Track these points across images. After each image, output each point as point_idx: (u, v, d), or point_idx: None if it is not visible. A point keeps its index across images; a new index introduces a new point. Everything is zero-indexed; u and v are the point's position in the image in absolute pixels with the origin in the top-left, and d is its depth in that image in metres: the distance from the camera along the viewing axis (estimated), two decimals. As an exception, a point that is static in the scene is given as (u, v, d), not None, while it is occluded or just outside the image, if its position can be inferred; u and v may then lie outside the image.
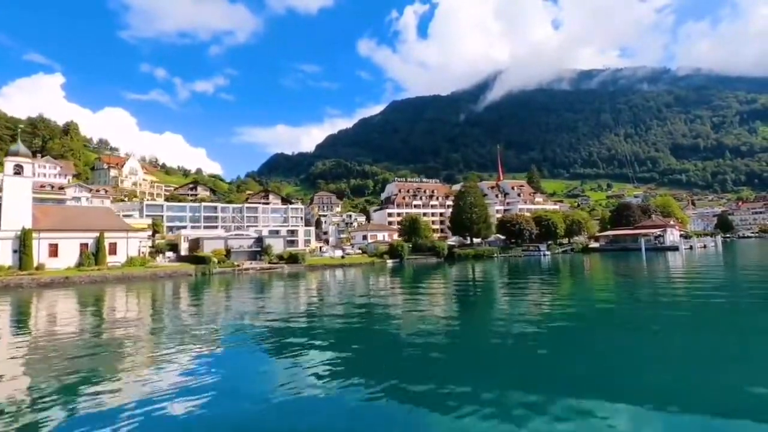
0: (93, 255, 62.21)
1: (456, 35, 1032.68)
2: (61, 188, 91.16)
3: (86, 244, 62.72)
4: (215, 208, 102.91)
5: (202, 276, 66.02)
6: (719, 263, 65.67)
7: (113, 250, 64.99)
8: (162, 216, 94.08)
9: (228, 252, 75.82)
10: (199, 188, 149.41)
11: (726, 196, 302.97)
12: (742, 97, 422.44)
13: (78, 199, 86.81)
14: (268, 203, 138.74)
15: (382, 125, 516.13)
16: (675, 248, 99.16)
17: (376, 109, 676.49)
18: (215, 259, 71.09)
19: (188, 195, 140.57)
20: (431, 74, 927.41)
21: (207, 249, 74.51)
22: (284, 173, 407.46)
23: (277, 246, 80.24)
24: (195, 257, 71.49)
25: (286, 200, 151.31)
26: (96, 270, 58.59)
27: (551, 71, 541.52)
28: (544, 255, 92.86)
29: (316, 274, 67.46)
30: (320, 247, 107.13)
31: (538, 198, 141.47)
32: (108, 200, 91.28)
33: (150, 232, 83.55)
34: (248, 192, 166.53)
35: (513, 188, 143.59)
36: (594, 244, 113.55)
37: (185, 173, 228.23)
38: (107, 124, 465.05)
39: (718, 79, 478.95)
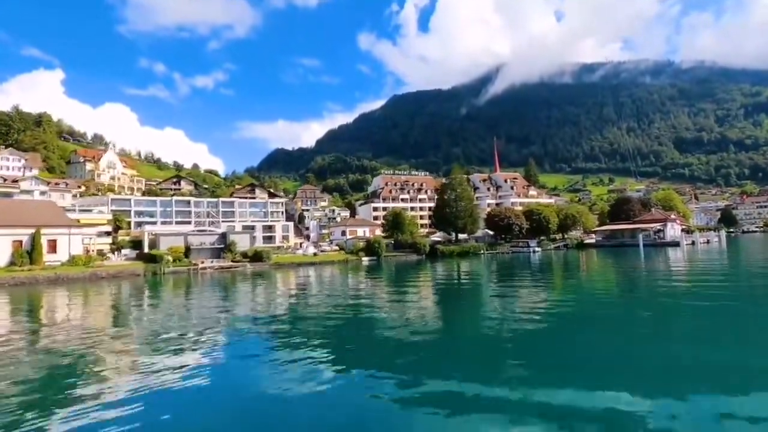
0: (28, 253, 55.53)
1: (457, 29, 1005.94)
2: (15, 181, 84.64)
3: (20, 242, 56.06)
4: (188, 202, 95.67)
5: (153, 276, 59.39)
6: (725, 262, 58.00)
7: (53, 247, 58.34)
8: (130, 211, 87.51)
9: (187, 249, 69.04)
10: (182, 182, 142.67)
11: (730, 190, 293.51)
12: (746, 89, 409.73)
13: (30, 192, 79.96)
14: (254, 197, 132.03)
15: (383, 120, 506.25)
16: (676, 244, 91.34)
17: (376, 104, 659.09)
18: (170, 258, 64.39)
19: (171, 189, 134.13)
20: (432, 68, 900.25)
21: (163, 246, 67.79)
22: (284, 168, 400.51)
23: (243, 242, 73.32)
24: (148, 255, 64.82)
25: (273, 194, 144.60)
26: (26, 271, 51.89)
27: (553, 64, 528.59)
28: (534, 251, 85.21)
29: (281, 274, 60.79)
30: (300, 243, 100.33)
31: (532, 191, 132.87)
32: (69, 194, 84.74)
33: (110, 228, 76.85)
34: (236, 186, 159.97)
35: (506, 181, 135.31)
36: (590, 240, 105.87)
37: (178, 168, 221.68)
38: (108, 120, 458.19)
39: (721, 71, 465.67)
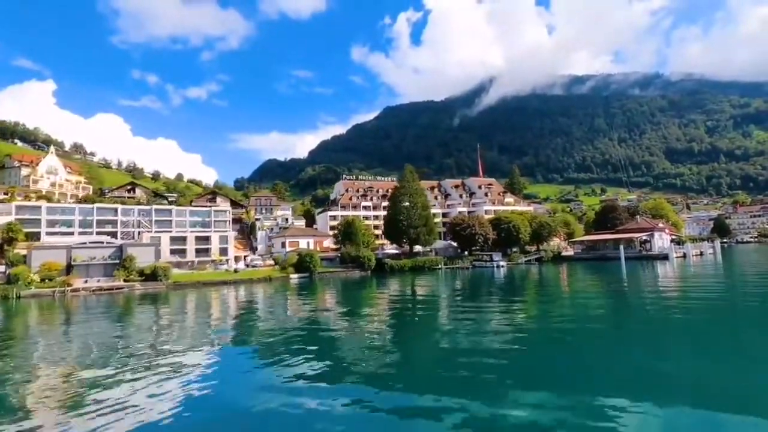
0: None
1: (450, 41, 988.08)
2: None
3: None
4: (115, 210, 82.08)
5: (2, 301, 45.40)
6: (724, 282, 43.41)
7: None
8: (40, 220, 73.86)
9: (69, 266, 54.97)
10: (137, 190, 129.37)
11: (721, 200, 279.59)
12: (735, 101, 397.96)
13: None
14: (216, 206, 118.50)
15: (376, 131, 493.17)
16: (664, 257, 76.75)
17: (370, 115, 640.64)
18: (33, 277, 50.36)
19: (125, 197, 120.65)
20: (425, 79, 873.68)
21: (38, 262, 53.77)
22: (276, 179, 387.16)
23: (145, 257, 59.16)
24: (8, 275, 50.75)
25: (236, 203, 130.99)
26: None
27: (545, 76, 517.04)
28: (499, 267, 70.45)
29: (176, 298, 46.74)
30: (245, 257, 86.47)
31: (509, 198, 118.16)
32: (-40, 200, 71.42)
33: (-3, 240, 62.88)
34: (205, 195, 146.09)
35: (480, 187, 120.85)
36: (568, 252, 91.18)
37: (155, 177, 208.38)
38: (100, 131, 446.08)
39: (710, 83, 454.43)
